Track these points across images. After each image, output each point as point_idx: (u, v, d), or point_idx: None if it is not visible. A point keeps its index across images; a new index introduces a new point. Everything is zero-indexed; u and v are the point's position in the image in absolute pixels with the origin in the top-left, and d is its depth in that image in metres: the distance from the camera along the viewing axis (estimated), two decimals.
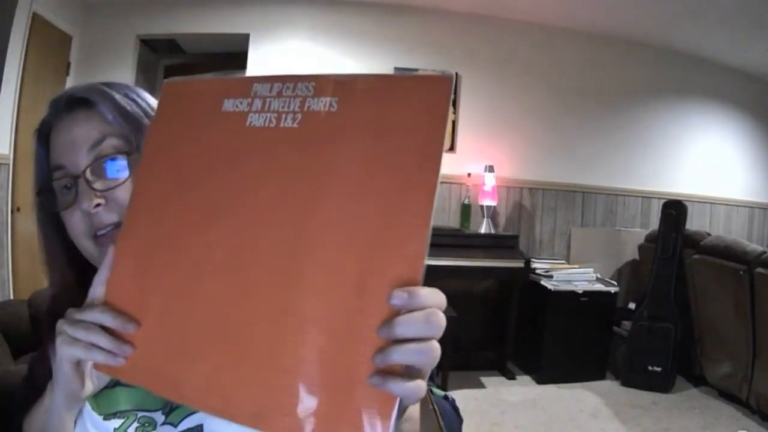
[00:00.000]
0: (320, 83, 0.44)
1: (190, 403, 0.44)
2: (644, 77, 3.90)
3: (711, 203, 4.15)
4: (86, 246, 0.58)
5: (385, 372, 0.36)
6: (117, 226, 0.56)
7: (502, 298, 3.38)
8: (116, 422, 0.53)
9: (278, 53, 3.47)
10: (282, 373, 0.39)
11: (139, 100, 0.62)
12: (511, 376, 3.14)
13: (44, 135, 0.61)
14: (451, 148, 3.55)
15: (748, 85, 4.26)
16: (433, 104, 0.40)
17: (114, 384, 0.54)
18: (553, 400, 2.84)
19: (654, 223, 3.64)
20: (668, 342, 2.98)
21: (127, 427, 0.53)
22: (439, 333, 0.37)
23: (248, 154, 0.45)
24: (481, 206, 3.45)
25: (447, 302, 0.40)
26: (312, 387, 0.38)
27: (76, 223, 0.58)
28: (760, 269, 2.56)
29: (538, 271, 3.22)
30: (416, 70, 3.47)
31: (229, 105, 0.47)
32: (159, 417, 0.54)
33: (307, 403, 0.38)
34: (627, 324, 3.21)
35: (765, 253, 2.59)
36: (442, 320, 0.37)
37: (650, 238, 3.41)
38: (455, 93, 3.54)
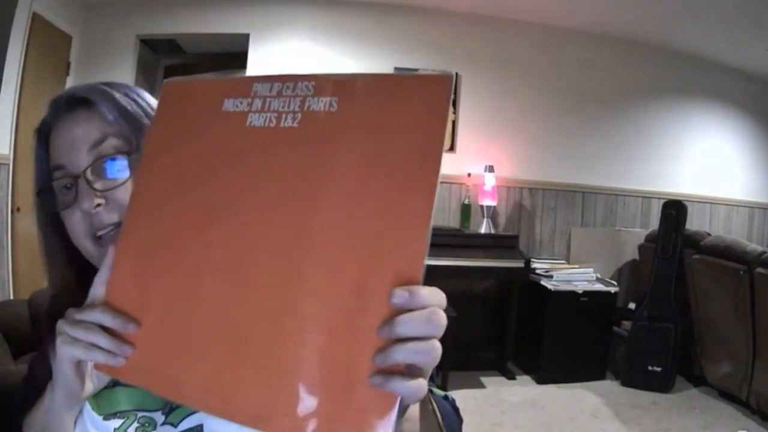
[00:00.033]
0: (320, 83, 0.44)
1: (190, 403, 0.44)
2: (644, 77, 3.90)
3: (711, 203, 4.15)
4: (86, 246, 0.58)
5: (386, 371, 0.36)
6: (117, 226, 0.56)
7: (502, 298, 3.38)
8: (116, 422, 0.53)
9: (278, 53, 3.47)
10: (282, 373, 0.39)
11: (140, 100, 0.62)
12: (511, 376, 3.14)
13: (44, 135, 0.61)
14: (451, 148, 3.55)
15: (748, 85, 4.26)
16: (433, 104, 0.40)
17: (114, 384, 0.54)
18: (553, 400, 2.84)
19: (654, 223, 3.64)
20: (668, 342, 2.98)
21: (127, 427, 0.53)
22: (440, 332, 0.37)
23: (248, 153, 0.45)
24: (481, 206, 3.45)
25: (447, 302, 0.40)
26: (312, 387, 0.38)
27: (76, 223, 0.58)
28: (760, 269, 2.56)
29: (538, 271, 3.22)
30: (416, 70, 3.47)
31: (229, 105, 0.47)
32: (159, 417, 0.54)
33: (308, 403, 0.38)
34: (627, 324, 3.21)
35: (765, 253, 2.59)
36: (443, 319, 0.37)
37: (650, 238, 3.41)
38: (455, 93, 3.54)
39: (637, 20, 3.50)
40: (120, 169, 0.57)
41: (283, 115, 0.45)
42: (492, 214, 3.50)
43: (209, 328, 0.43)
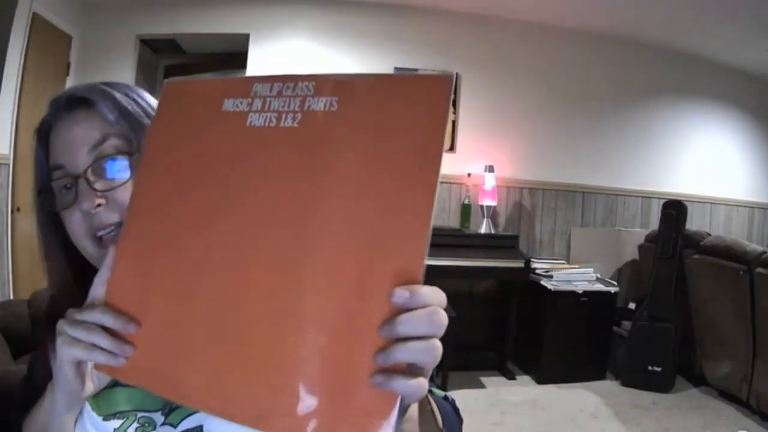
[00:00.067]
0: (320, 83, 0.44)
1: (190, 404, 0.44)
2: (644, 77, 3.90)
3: (711, 203, 4.15)
4: (86, 246, 0.58)
5: (387, 370, 0.36)
6: (117, 226, 0.56)
7: (502, 298, 3.38)
8: (116, 423, 0.53)
9: (278, 53, 3.47)
10: (282, 373, 0.39)
11: (140, 100, 0.62)
12: (511, 376, 3.14)
13: (44, 135, 0.61)
14: (451, 148, 3.55)
15: (748, 85, 4.26)
16: (433, 104, 0.40)
17: (113, 384, 0.54)
18: (553, 400, 2.84)
19: (654, 223, 3.64)
20: (668, 342, 2.98)
21: (127, 428, 0.53)
22: (441, 331, 0.37)
23: (248, 153, 0.45)
24: (481, 206, 3.45)
25: (447, 302, 0.40)
26: (312, 387, 0.38)
27: (75, 224, 0.58)
28: (760, 269, 2.56)
29: (538, 271, 3.22)
30: (416, 70, 3.47)
31: (229, 105, 0.47)
32: (158, 417, 0.54)
33: (308, 403, 0.38)
34: (627, 324, 3.21)
35: (765, 253, 2.59)
36: (444, 318, 0.37)
37: (650, 238, 3.41)
38: (455, 93, 3.54)
39: (637, 20, 3.50)
40: (120, 169, 0.57)
41: (283, 115, 0.45)
42: (492, 214, 3.50)
43: (209, 328, 0.43)
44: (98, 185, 0.57)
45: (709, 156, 4.11)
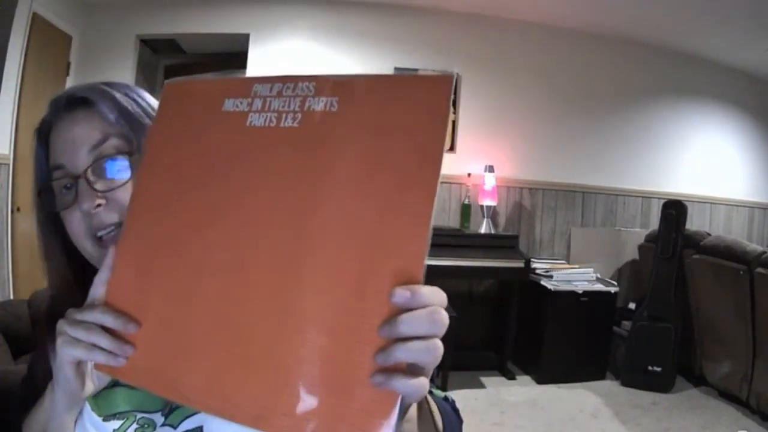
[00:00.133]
0: (321, 83, 0.44)
1: (190, 404, 0.44)
2: (644, 77, 3.90)
3: (711, 203, 4.15)
4: (86, 246, 0.58)
5: (387, 370, 0.36)
6: (117, 226, 0.56)
7: (502, 298, 3.38)
8: (116, 423, 0.53)
9: (278, 53, 3.47)
10: (282, 373, 0.39)
11: (140, 100, 0.62)
12: (511, 376, 3.14)
13: (44, 134, 0.61)
14: (451, 148, 3.55)
15: (748, 85, 4.26)
16: (433, 104, 0.40)
17: (113, 385, 0.54)
18: (553, 400, 2.84)
19: (654, 223, 3.64)
20: (668, 342, 2.98)
21: (127, 428, 0.53)
22: (442, 331, 0.37)
23: (248, 153, 0.45)
24: (481, 206, 3.45)
25: (447, 302, 0.40)
26: (312, 387, 0.38)
27: (75, 224, 0.58)
28: (760, 269, 2.56)
29: (538, 271, 3.22)
30: (416, 70, 3.47)
31: (229, 105, 0.47)
32: (158, 418, 0.53)
33: (308, 402, 0.38)
34: (627, 324, 3.22)
35: (765, 253, 2.59)
36: (445, 318, 0.37)
37: (650, 238, 3.41)
38: (455, 93, 3.53)
39: (637, 20, 3.50)
40: (120, 170, 0.57)
41: (284, 115, 0.45)
42: (492, 214, 3.50)
43: (209, 328, 0.43)
44: (98, 185, 0.57)
45: (709, 156, 4.11)
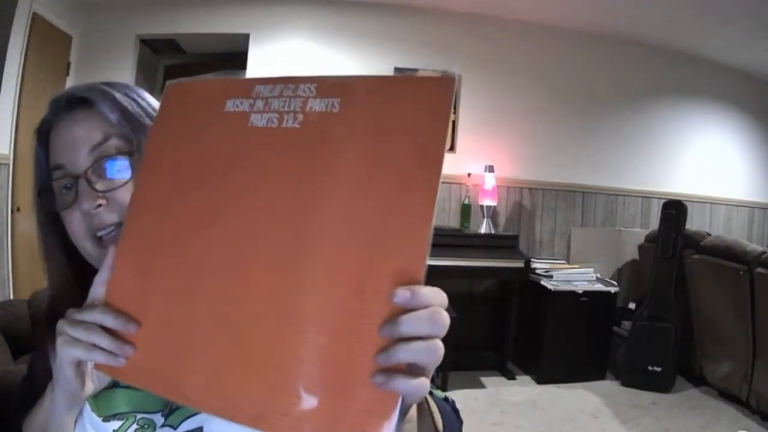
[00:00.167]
0: (322, 84, 0.44)
1: (190, 404, 0.44)
2: (644, 77, 3.90)
3: (711, 203, 4.15)
4: (86, 246, 0.58)
5: (388, 370, 0.36)
6: (117, 226, 0.56)
7: (502, 298, 3.38)
8: (115, 424, 0.53)
9: (278, 53, 3.47)
10: (282, 373, 0.39)
11: (140, 100, 0.62)
12: (511, 376, 3.14)
13: (44, 134, 0.61)
14: (451, 148, 3.55)
15: (748, 85, 4.26)
16: (435, 105, 0.40)
17: (113, 385, 0.54)
18: (553, 400, 2.84)
19: (654, 223, 3.64)
20: (668, 342, 2.98)
21: (126, 429, 0.53)
22: (443, 331, 0.37)
23: (249, 154, 0.45)
24: (481, 206, 3.45)
25: (447, 302, 0.40)
26: (312, 387, 0.38)
27: (75, 224, 0.58)
28: (760, 269, 2.56)
29: (538, 271, 3.22)
30: (416, 70, 3.47)
31: (231, 105, 0.47)
32: (158, 419, 0.53)
33: (308, 402, 0.38)
34: (627, 324, 3.21)
35: (765, 253, 2.59)
36: (446, 318, 0.37)
37: (650, 238, 3.41)
38: (455, 93, 3.53)
39: (637, 20, 3.50)
40: (120, 170, 0.57)
41: (285, 116, 0.45)
42: (492, 214, 3.50)
43: (209, 328, 0.43)
44: (99, 185, 0.57)
45: (709, 156, 4.11)
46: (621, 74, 3.85)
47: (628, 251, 3.72)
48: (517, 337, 3.23)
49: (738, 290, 2.69)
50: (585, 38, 3.75)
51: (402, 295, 0.36)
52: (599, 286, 3.17)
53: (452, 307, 2.61)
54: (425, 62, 3.50)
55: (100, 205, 0.56)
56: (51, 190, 0.59)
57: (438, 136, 0.39)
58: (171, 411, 0.53)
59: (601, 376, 3.16)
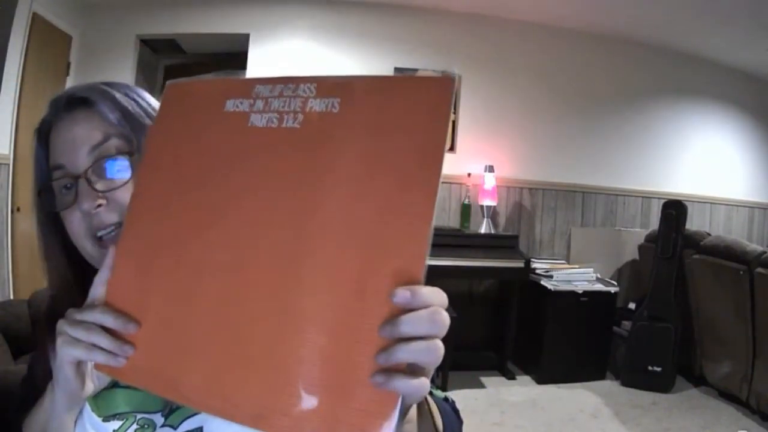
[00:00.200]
0: (322, 84, 0.44)
1: (190, 404, 0.44)
2: (644, 77, 3.90)
3: (711, 203, 4.15)
4: (86, 246, 0.58)
5: (388, 370, 0.36)
6: (118, 226, 0.56)
7: (502, 298, 3.38)
8: (115, 424, 0.53)
9: (278, 53, 3.47)
10: (282, 373, 0.39)
11: (140, 100, 0.62)
12: (511, 376, 3.14)
13: (44, 134, 0.61)
14: (451, 148, 3.55)
15: (748, 85, 4.26)
16: (435, 105, 0.40)
17: (113, 385, 0.54)
18: (553, 400, 2.84)
19: (654, 223, 3.64)
20: (668, 342, 2.98)
21: (126, 429, 0.53)
22: (443, 331, 0.37)
23: (249, 154, 0.45)
24: (481, 206, 3.45)
25: (448, 302, 0.40)
26: (312, 387, 0.38)
27: (75, 224, 0.58)
28: (760, 269, 2.55)
29: (538, 271, 3.21)
30: (416, 70, 3.47)
31: (231, 105, 0.47)
32: (158, 419, 0.53)
33: (308, 402, 0.38)
34: (627, 324, 3.21)
35: (765, 253, 2.59)
36: (446, 319, 0.37)
37: (650, 238, 3.41)
38: (455, 93, 3.53)
39: (637, 20, 3.50)
40: (120, 170, 0.57)
41: (285, 116, 0.45)
42: (492, 214, 3.50)
43: (209, 328, 0.43)
44: (99, 185, 0.57)
45: (709, 156, 4.11)
46: (621, 74, 3.85)
47: (628, 251, 3.72)
48: (517, 337, 3.23)
49: (738, 290, 2.69)
50: (585, 38, 3.75)
51: (402, 295, 0.36)
52: (599, 286, 3.17)
53: (452, 307, 2.61)
54: (425, 62, 3.50)
55: (100, 205, 0.56)
56: (51, 190, 0.59)
57: (438, 136, 0.39)
58: (171, 411, 0.53)
59: (601, 376, 3.16)
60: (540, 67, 3.69)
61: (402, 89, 0.42)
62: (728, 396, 2.86)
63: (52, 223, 0.61)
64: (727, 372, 2.85)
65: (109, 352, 0.45)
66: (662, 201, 3.34)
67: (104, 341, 0.45)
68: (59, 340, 0.47)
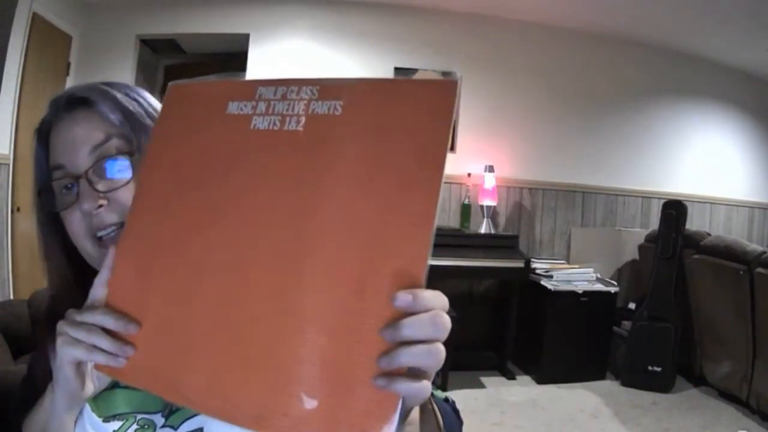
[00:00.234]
0: (324, 87, 0.44)
1: (190, 405, 0.44)
2: (644, 77, 3.90)
3: (711, 203, 4.15)
4: (86, 246, 0.58)
5: (390, 373, 0.36)
6: (119, 227, 0.56)
7: (502, 298, 3.38)
8: (115, 424, 0.53)
9: (278, 53, 3.47)
10: (282, 374, 0.39)
11: (141, 100, 0.62)
12: (511, 376, 3.14)
13: (44, 134, 0.61)
14: (451, 148, 3.55)
15: (748, 85, 4.26)
16: (438, 107, 0.40)
17: (113, 386, 0.54)
18: (553, 400, 2.84)
19: (654, 223, 3.64)
20: (668, 342, 2.98)
21: (126, 430, 0.53)
22: (445, 335, 0.37)
23: (250, 154, 0.45)
24: (481, 206, 3.45)
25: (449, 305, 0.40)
26: (312, 387, 0.38)
27: (75, 224, 0.58)
28: (760, 269, 2.55)
29: (538, 271, 3.21)
30: (416, 70, 3.47)
31: (233, 108, 0.47)
32: (159, 419, 0.53)
33: (308, 403, 0.38)
34: (627, 324, 3.21)
35: (765, 253, 2.59)
36: (447, 322, 0.37)
37: (650, 238, 3.41)
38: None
39: (637, 20, 3.50)
40: (121, 170, 0.57)
41: (287, 119, 0.45)
42: (492, 214, 3.50)
43: (209, 329, 0.43)
44: (99, 186, 0.56)
45: (709, 156, 4.11)
46: (621, 74, 3.85)
47: (628, 251, 3.72)
48: (517, 337, 3.23)
49: (738, 290, 2.69)
50: (585, 38, 3.75)
51: (403, 298, 0.36)
52: (599, 286, 3.17)
53: (452, 307, 2.59)
54: (425, 62, 3.50)
55: (101, 206, 0.56)
56: (51, 190, 0.59)
57: (440, 137, 0.39)
58: (171, 412, 0.53)
59: (601, 376, 3.16)
60: (540, 67, 3.69)
61: (405, 92, 0.42)
62: (728, 396, 2.86)
63: (52, 223, 0.61)
64: (727, 372, 2.85)
65: (110, 352, 0.45)
66: (662, 201, 3.34)
67: (105, 342, 0.45)
68: (59, 341, 0.47)
